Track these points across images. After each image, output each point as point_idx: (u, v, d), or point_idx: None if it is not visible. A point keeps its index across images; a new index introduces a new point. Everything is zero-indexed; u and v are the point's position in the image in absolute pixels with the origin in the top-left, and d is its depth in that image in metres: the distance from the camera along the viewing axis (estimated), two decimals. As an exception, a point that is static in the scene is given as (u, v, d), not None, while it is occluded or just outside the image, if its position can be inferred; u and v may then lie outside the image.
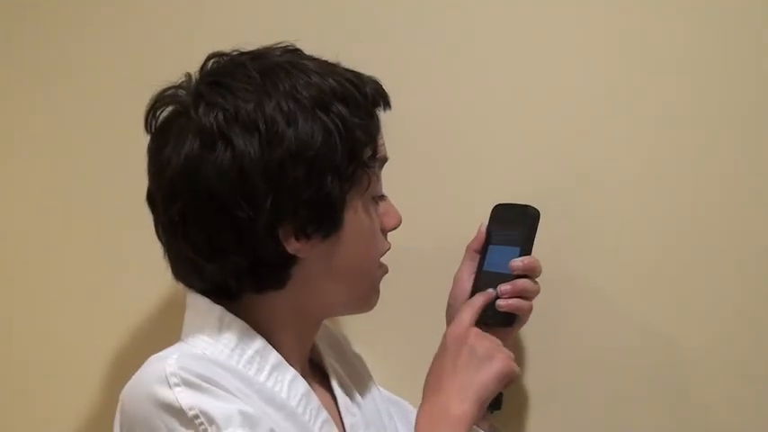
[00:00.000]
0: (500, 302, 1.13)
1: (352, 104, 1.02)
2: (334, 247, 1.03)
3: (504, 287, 1.14)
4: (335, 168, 0.99)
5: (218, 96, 1.00)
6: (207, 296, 1.04)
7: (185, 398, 0.91)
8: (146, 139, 1.06)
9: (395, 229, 1.10)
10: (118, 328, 1.35)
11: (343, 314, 1.10)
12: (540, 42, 1.26)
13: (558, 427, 1.25)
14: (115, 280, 1.37)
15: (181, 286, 1.07)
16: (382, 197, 1.09)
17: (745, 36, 1.21)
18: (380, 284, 1.11)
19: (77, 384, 1.37)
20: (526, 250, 1.16)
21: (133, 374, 0.97)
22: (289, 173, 0.97)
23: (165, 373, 0.93)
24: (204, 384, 0.93)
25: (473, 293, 1.17)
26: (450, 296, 1.20)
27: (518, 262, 1.14)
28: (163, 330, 1.30)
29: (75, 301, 1.38)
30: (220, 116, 0.98)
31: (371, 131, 1.04)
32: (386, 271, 1.11)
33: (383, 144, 1.07)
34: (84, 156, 1.39)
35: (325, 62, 1.05)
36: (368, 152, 1.04)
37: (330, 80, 1.02)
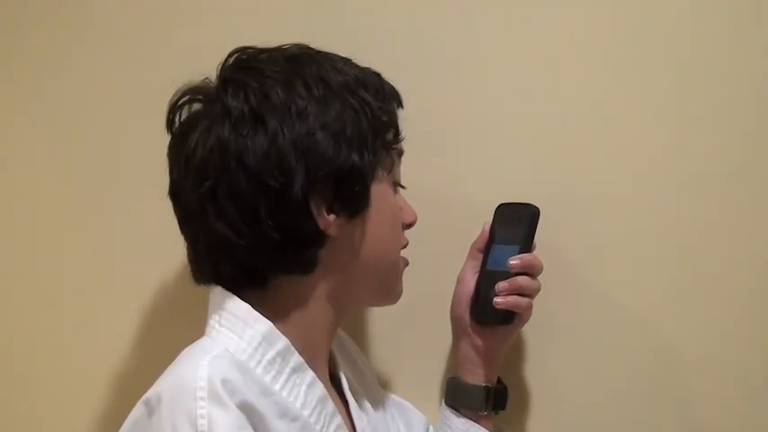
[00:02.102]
0: (497, 300, 1.14)
1: (373, 92, 1.05)
2: (361, 228, 1.04)
3: (502, 284, 1.14)
4: (363, 141, 1.02)
5: (246, 77, 1.02)
6: (234, 285, 1.04)
7: (203, 416, 0.91)
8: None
9: (411, 226, 1.12)
10: (121, 329, 1.35)
11: (369, 305, 1.11)
12: (542, 43, 1.25)
13: (560, 426, 1.25)
14: (118, 280, 1.36)
15: (203, 288, 1.07)
16: (402, 187, 1.12)
17: (746, 36, 1.21)
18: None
19: (79, 385, 1.36)
20: (525, 248, 1.16)
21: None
22: (318, 143, 0.99)
23: (196, 385, 0.93)
24: (228, 401, 0.93)
25: (476, 293, 1.17)
26: (453, 296, 1.20)
27: (515, 260, 1.15)
28: (167, 331, 1.30)
29: (78, 302, 1.38)
30: (251, 97, 1.00)
31: (393, 118, 1.08)
32: (407, 263, 1.13)
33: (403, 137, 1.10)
34: (86, 156, 1.38)
35: (343, 57, 1.08)
36: (390, 135, 1.07)
37: (353, 70, 1.06)
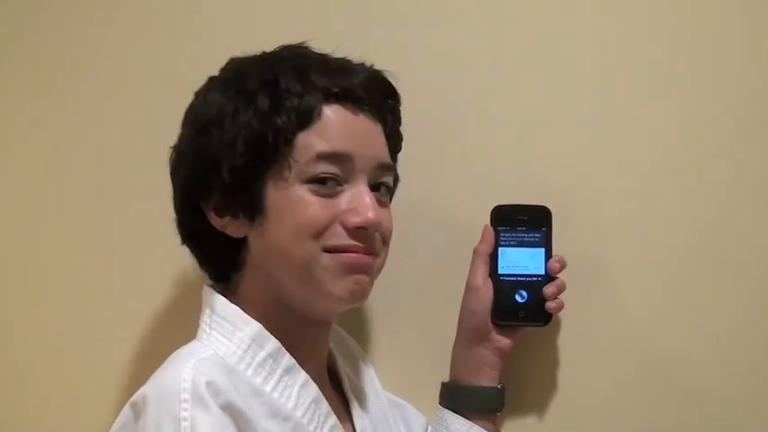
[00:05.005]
0: (550, 305, 1.15)
1: (284, 94, 1.02)
2: (263, 230, 1.03)
3: (550, 289, 1.16)
4: (257, 148, 1.02)
5: (204, 86, 1.09)
6: (214, 278, 1.09)
7: (186, 418, 0.91)
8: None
9: (360, 227, 1.03)
10: (120, 329, 1.35)
11: (320, 306, 1.05)
12: (544, 43, 1.26)
13: (558, 425, 1.25)
14: (118, 280, 1.36)
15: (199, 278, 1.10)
16: (364, 191, 1.04)
17: (746, 36, 1.21)
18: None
19: (78, 385, 1.36)
20: (551, 250, 1.17)
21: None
22: (207, 149, 1.03)
23: (180, 387, 0.93)
24: (211, 403, 0.93)
25: (496, 299, 1.17)
26: (470, 304, 1.18)
27: (556, 264, 1.16)
28: (167, 331, 1.30)
29: (78, 302, 1.37)
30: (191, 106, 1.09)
31: (306, 117, 1.02)
32: (345, 261, 1.03)
33: (332, 139, 1.03)
34: (86, 156, 1.38)
35: (338, 58, 1.08)
36: (285, 141, 1.02)
37: (283, 65, 1.04)
